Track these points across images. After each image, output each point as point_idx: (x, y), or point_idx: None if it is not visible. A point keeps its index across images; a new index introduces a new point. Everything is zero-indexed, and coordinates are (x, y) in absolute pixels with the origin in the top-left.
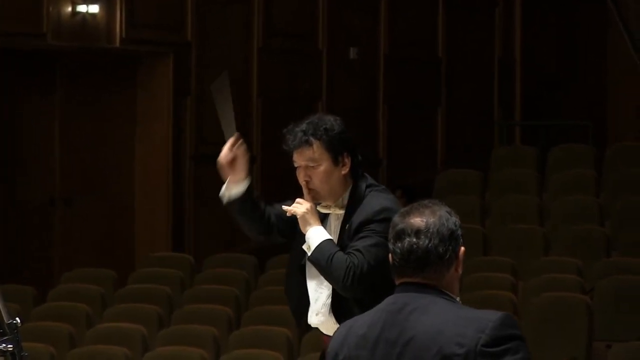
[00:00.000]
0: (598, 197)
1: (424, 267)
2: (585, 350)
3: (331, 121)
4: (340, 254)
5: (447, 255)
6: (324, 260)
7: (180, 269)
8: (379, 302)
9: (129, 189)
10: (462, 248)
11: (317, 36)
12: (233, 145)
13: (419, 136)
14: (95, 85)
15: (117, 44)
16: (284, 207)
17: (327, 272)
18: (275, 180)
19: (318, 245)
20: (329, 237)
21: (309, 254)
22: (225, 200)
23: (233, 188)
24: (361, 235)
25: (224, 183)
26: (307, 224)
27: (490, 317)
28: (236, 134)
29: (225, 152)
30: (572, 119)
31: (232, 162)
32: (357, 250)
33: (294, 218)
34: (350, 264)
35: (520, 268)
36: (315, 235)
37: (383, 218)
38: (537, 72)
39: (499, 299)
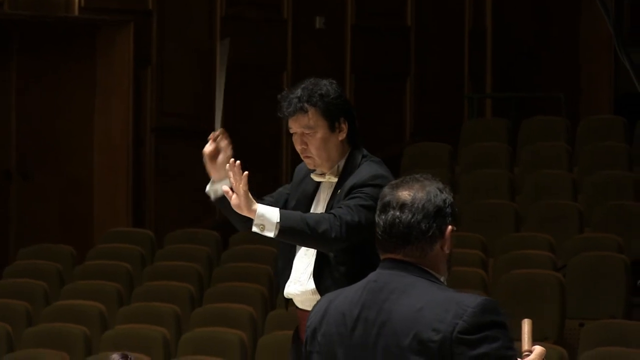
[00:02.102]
0: (571, 171)
1: (406, 243)
2: (557, 329)
3: (327, 86)
4: (312, 213)
5: (430, 232)
6: (298, 224)
7: (140, 245)
8: (367, 274)
9: (87, 161)
10: (450, 226)
11: (282, 5)
12: (215, 138)
13: (387, 108)
14: (53, 55)
15: (76, 12)
16: (224, 188)
17: (307, 234)
18: (239, 150)
19: (282, 216)
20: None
21: (277, 228)
22: (212, 196)
23: (217, 185)
24: (352, 196)
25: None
26: (252, 202)
27: (469, 303)
28: (221, 129)
29: (208, 144)
30: (544, 91)
31: (215, 156)
32: (346, 205)
33: (282, 202)
34: (333, 215)
35: (491, 244)
36: (269, 210)
37: (378, 184)
38: (509, 43)
39: (468, 276)
